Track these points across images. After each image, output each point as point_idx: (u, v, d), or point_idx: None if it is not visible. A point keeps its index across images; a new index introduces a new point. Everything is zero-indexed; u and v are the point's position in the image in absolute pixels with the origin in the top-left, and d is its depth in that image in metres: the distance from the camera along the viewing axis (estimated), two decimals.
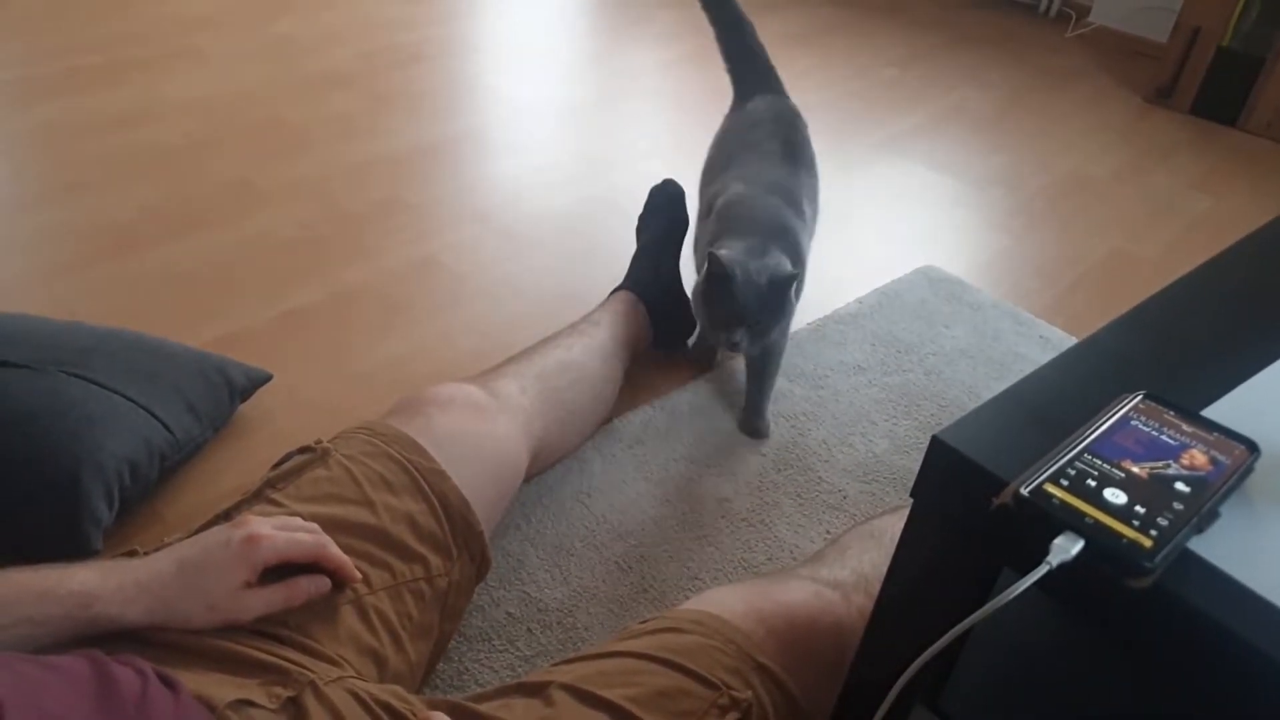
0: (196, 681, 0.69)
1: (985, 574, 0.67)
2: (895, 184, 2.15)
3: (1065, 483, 0.56)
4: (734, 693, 0.80)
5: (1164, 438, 0.61)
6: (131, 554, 0.80)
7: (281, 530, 0.79)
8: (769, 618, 0.88)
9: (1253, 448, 0.60)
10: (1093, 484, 0.57)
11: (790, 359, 1.50)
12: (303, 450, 0.96)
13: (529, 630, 1.07)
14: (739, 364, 1.50)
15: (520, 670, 1.03)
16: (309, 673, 0.74)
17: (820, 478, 1.33)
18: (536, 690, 0.83)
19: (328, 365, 1.44)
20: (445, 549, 0.94)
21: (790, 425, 1.41)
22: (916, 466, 0.63)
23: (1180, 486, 0.57)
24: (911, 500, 0.66)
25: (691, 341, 1.54)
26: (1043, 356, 1.56)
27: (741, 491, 1.29)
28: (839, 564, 1.00)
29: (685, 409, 1.42)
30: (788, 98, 1.57)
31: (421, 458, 0.96)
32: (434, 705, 0.79)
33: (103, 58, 2.28)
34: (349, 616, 0.84)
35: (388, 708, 0.76)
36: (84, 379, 1.11)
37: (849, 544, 1.06)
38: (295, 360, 1.42)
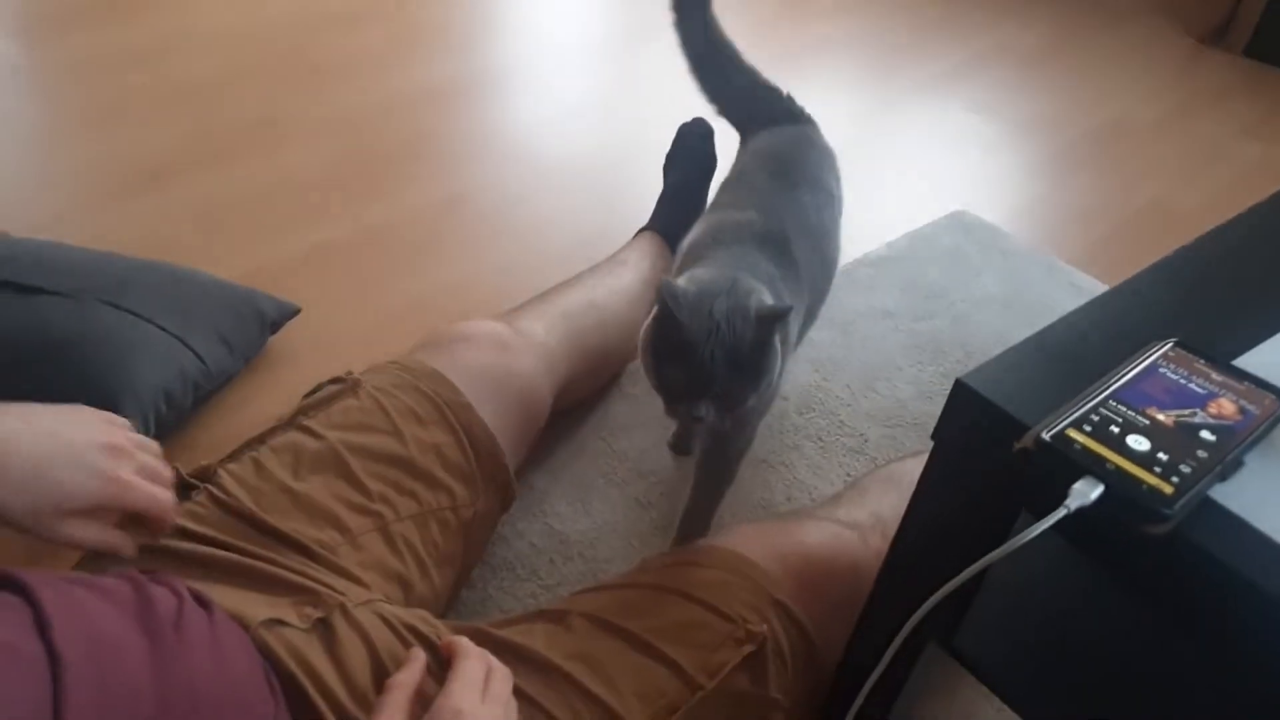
0: (229, 598, 0.71)
1: (1003, 518, 0.68)
2: (932, 125, 2.10)
3: (1088, 428, 0.56)
4: (750, 627, 0.82)
5: (1192, 386, 0.60)
6: None
7: (146, 480, 0.67)
8: (787, 556, 0.89)
9: None
10: (1116, 430, 0.56)
11: None
12: (334, 381, 0.97)
13: (551, 561, 1.09)
14: None
15: (542, 598, 1.05)
16: (338, 595, 0.77)
17: (842, 422, 1.33)
18: (558, 618, 0.85)
19: (355, 300, 1.46)
20: (471, 480, 0.96)
21: (815, 370, 1.41)
22: (940, 413, 0.63)
23: (1206, 435, 0.56)
24: (932, 444, 0.66)
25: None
26: (1075, 305, 1.53)
27: (762, 433, 1.30)
28: (858, 506, 1.01)
29: None
30: (800, 123, 1.25)
31: (449, 391, 0.97)
32: (457, 630, 0.82)
33: None
34: (376, 542, 0.86)
35: (414, 631, 0.78)
36: (121, 308, 1.14)
37: (868, 487, 1.07)
38: (323, 295, 1.43)
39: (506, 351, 1.07)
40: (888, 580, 0.75)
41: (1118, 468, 0.54)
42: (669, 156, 1.56)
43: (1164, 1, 2.79)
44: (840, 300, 1.54)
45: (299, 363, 1.32)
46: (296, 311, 1.33)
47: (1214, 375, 0.61)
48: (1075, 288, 1.60)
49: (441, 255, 1.58)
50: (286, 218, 1.61)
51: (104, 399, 1.05)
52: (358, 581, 0.82)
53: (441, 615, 0.94)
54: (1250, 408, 0.58)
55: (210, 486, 0.83)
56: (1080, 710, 0.71)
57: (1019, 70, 2.34)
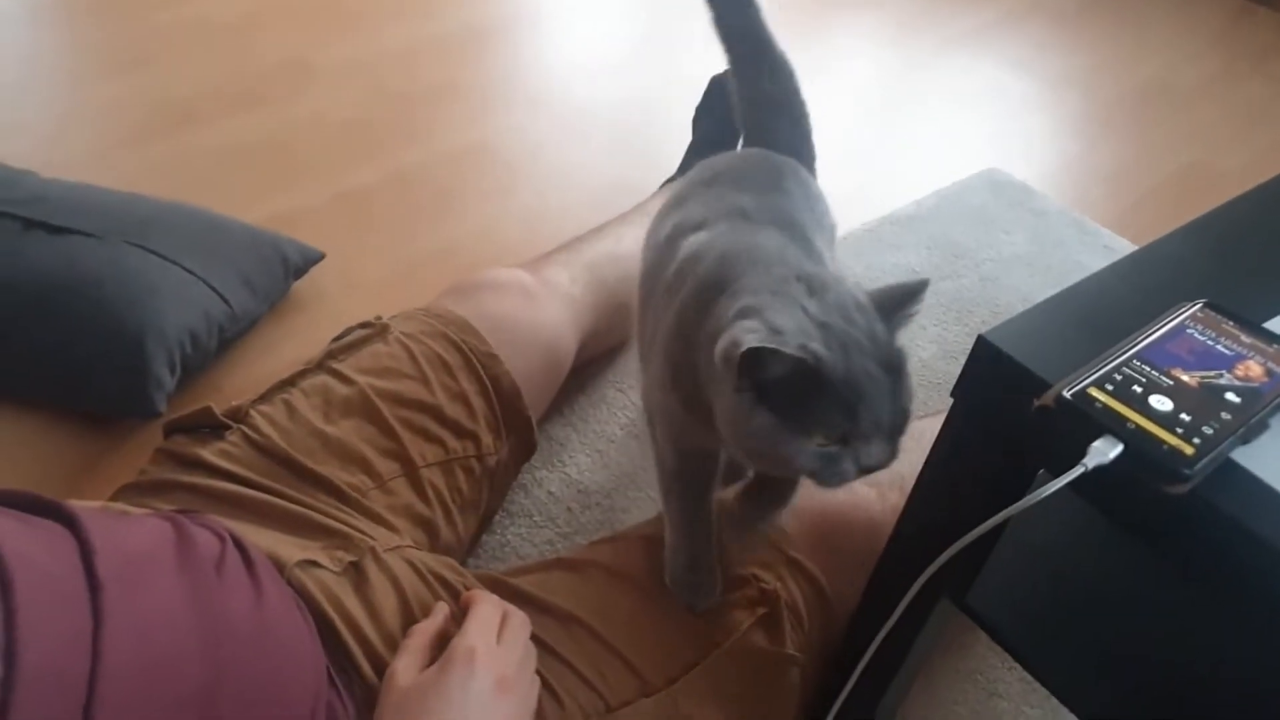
0: (264, 539, 0.72)
1: (1020, 475, 0.67)
2: (964, 82, 2.05)
3: (1110, 387, 0.55)
4: (763, 585, 0.82)
5: (1219, 348, 0.59)
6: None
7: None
8: (803, 512, 0.89)
9: None
10: (1139, 390, 0.56)
11: (843, 259, 1.47)
12: (362, 325, 0.98)
13: (569, 509, 1.11)
14: None
15: (559, 546, 1.07)
16: (369, 539, 0.78)
17: None
18: (576, 567, 0.86)
19: (380, 247, 1.46)
20: (495, 429, 0.96)
21: None
22: None
23: (1231, 397, 0.56)
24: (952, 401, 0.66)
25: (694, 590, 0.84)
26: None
27: None
28: None
29: None
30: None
31: (476, 340, 0.98)
32: (478, 578, 0.83)
33: None
34: (404, 487, 0.88)
35: (441, 579, 0.79)
36: (145, 249, 1.15)
37: None
38: (348, 241, 1.44)
39: (532, 301, 1.07)
40: (902, 535, 0.75)
41: (1138, 427, 0.54)
42: (699, 108, 1.54)
43: None
44: (866, 258, 1.52)
45: (323, 308, 1.33)
46: (320, 257, 1.34)
47: (1243, 337, 0.60)
48: (1107, 249, 1.58)
49: (467, 202, 1.57)
50: (312, 163, 1.61)
51: (129, 338, 1.07)
52: (388, 526, 0.83)
53: (463, 562, 0.95)
54: (1278, 370, 0.58)
55: (243, 427, 0.84)
56: (1091, 668, 0.72)
57: (1054, 27, 2.28)
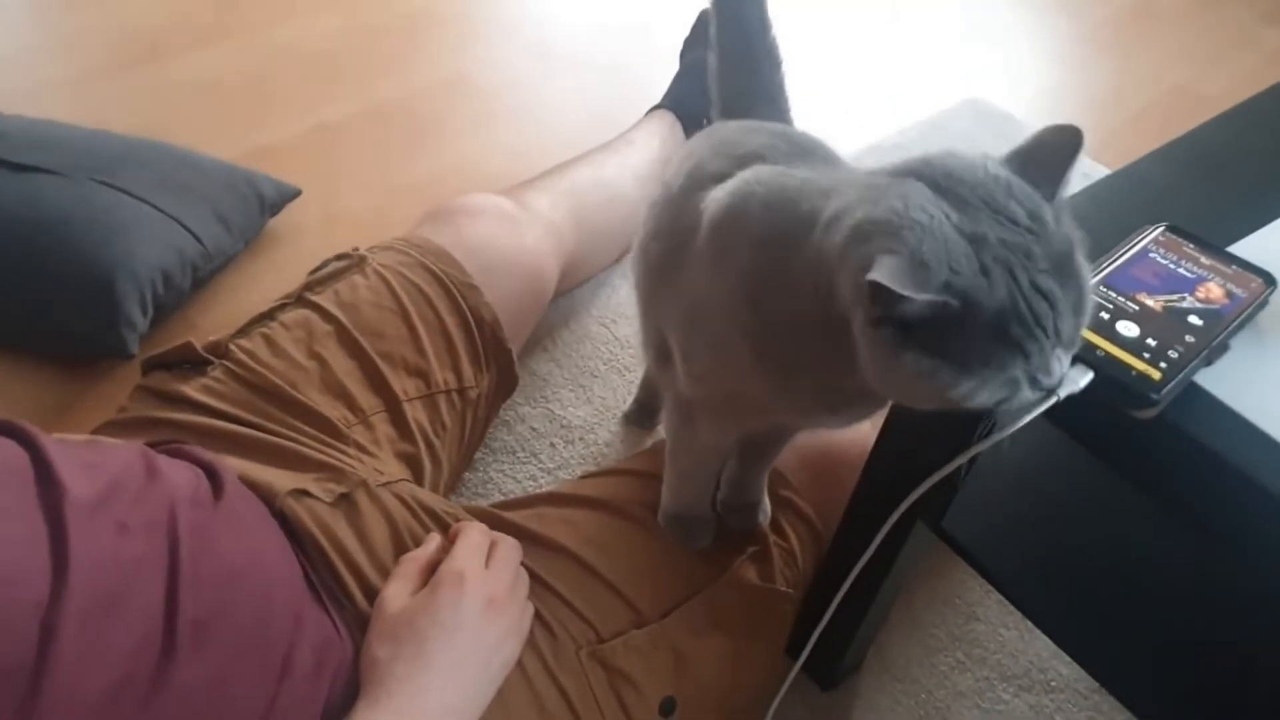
0: (253, 471, 0.72)
1: None
2: (948, 8, 2.02)
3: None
4: None
5: (1181, 271, 0.60)
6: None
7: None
8: (800, 448, 0.89)
9: (1270, 280, 0.59)
10: (1106, 317, 0.56)
11: None
12: (339, 257, 0.97)
13: (552, 445, 1.11)
14: None
15: (543, 481, 1.08)
16: (359, 473, 0.78)
17: None
18: (567, 501, 0.86)
19: (358, 182, 1.44)
20: (476, 361, 0.96)
21: None
22: None
23: (1193, 319, 0.56)
24: None
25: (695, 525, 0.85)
26: None
27: None
28: None
29: None
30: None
31: (456, 270, 0.96)
32: (468, 512, 0.83)
33: None
34: (386, 422, 0.87)
35: (431, 512, 0.79)
36: (114, 187, 1.12)
37: None
38: (325, 176, 1.41)
39: (512, 226, 1.06)
40: (878, 462, 0.76)
41: (1107, 354, 0.54)
42: (686, 42, 1.50)
43: None
44: None
45: (300, 245, 1.31)
46: (297, 193, 1.31)
47: (1203, 259, 0.60)
48: (1086, 177, 1.55)
49: (446, 135, 1.55)
50: (286, 96, 1.57)
51: (98, 279, 1.05)
52: (374, 459, 0.83)
53: (446, 497, 0.96)
54: (1237, 291, 0.58)
55: (225, 362, 0.83)
56: (1063, 590, 0.73)
57: None
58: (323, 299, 0.91)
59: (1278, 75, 1.94)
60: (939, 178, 0.51)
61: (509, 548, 0.74)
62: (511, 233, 1.05)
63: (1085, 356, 0.53)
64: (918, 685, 0.94)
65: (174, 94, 1.54)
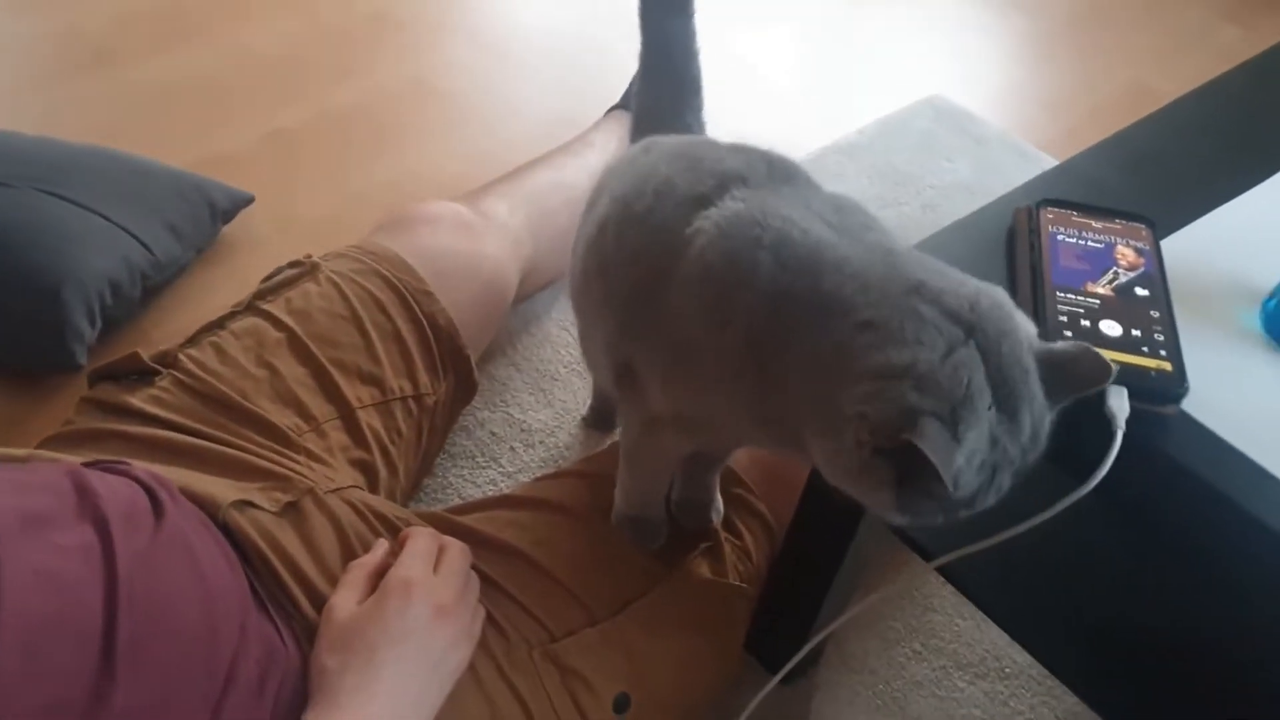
0: (196, 482, 0.71)
1: None
2: (908, 7, 2.03)
3: (1071, 334, 0.55)
4: None
5: (1091, 244, 0.60)
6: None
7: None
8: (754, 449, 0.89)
9: (1150, 223, 0.60)
10: (1088, 325, 0.56)
11: None
12: (292, 265, 0.96)
13: (512, 449, 1.11)
14: None
15: (503, 485, 1.07)
16: (308, 480, 0.77)
17: None
18: (520, 504, 0.86)
19: (315, 189, 1.42)
20: (433, 368, 0.95)
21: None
22: None
23: (1140, 291, 0.57)
24: None
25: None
26: None
27: None
28: None
29: None
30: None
31: (411, 277, 0.96)
32: (421, 517, 0.83)
33: None
34: (340, 430, 0.86)
35: (382, 518, 0.79)
36: (60, 197, 1.10)
37: None
38: (281, 183, 1.39)
39: (470, 233, 1.05)
40: None
41: (1123, 364, 0.52)
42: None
43: None
44: None
45: (256, 253, 1.29)
46: (250, 200, 1.30)
47: (1094, 223, 0.61)
48: (1038, 165, 1.58)
49: (405, 140, 1.53)
50: (240, 103, 1.55)
51: (44, 290, 1.03)
52: (325, 465, 0.82)
53: (404, 505, 0.95)
54: (1141, 245, 0.59)
55: (173, 371, 0.82)
56: (1016, 581, 0.74)
57: None
58: (274, 307, 0.90)
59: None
60: (990, 347, 0.51)
61: (457, 552, 0.73)
62: (469, 239, 1.04)
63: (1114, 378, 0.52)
64: (875, 676, 0.95)
65: (124, 99, 1.51)
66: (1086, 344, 0.52)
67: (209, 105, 1.53)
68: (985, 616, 0.77)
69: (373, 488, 0.87)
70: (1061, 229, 0.61)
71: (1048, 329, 0.56)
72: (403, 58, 1.69)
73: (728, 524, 0.85)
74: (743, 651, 0.87)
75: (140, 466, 0.68)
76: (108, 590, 0.55)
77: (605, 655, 0.75)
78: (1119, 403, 0.53)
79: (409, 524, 0.78)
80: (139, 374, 0.83)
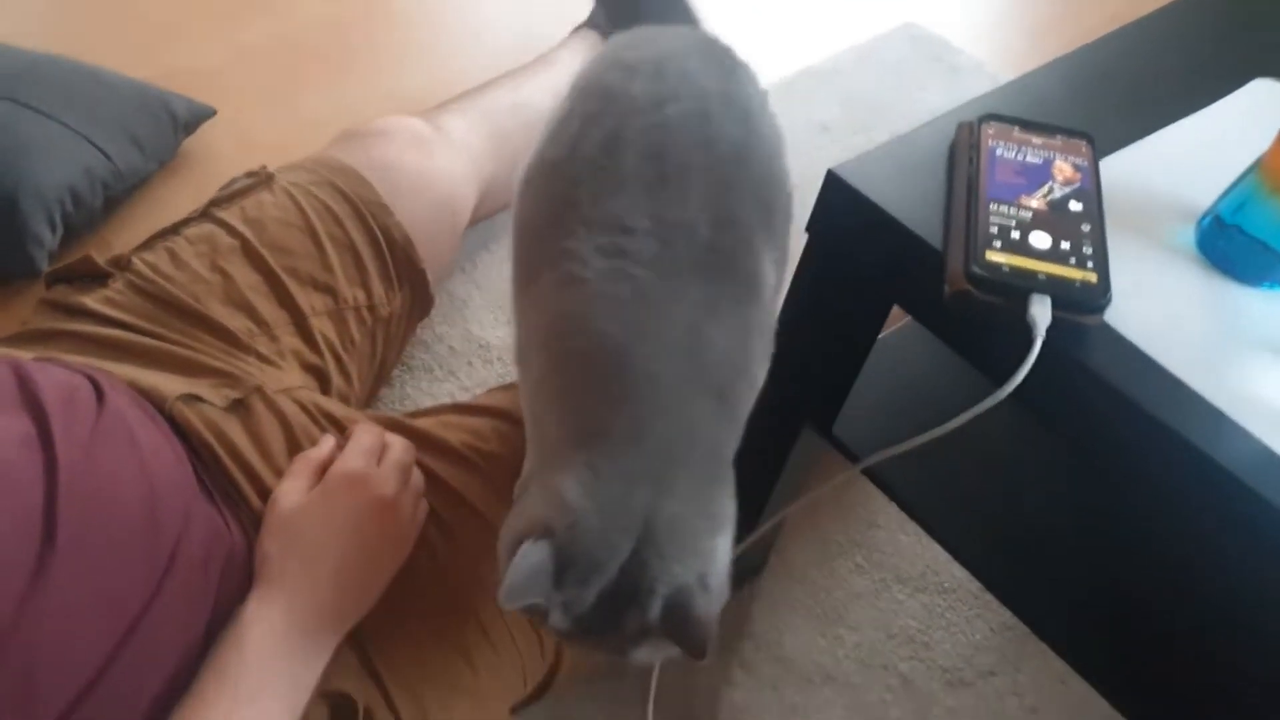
0: (144, 378, 0.72)
1: (876, 309, 0.70)
2: None
3: (999, 244, 0.56)
4: None
5: (1030, 159, 0.61)
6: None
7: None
8: None
9: (1089, 138, 0.61)
10: (1018, 236, 0.56)
11: None
12: (248, 175, 0.96)
13: (469, 363, 1.12)
14: None
15: (461, 399, 1.09)
16: (256, 379, 0.78)
17: None
18: (471, 411, 0.87)
19: (277, 106, 1.40)
20: (387, 280, 0.96)
21: None
22: None
23: (1074, 206, 0.57)
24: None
25: None
26: None
27: None
28: None
29: None
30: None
31: (365, 190, 0.96)
32: (373, 419, 0.84)
33: None
34: (292, 335, 0.87)
35: (330, 417, 0.80)
36: (18, 103, 1.09)
37: None
38: (243, 99, 1.38)
39: (426, 148, 1.05)
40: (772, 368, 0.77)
41: (1048, 275, 0.54)
42: None
43: None
44: (777, 112, 1.50)
45: (216, 166, 1.28)
46: (211, 113, 1.28)
47: (1034, 139, 0.61)
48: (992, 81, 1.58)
49: (367, 61, 1.51)
50: (204, 16, 1.52)
51: (2, 197, 1.03)
52: (275, 367, 0.83)
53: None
54: (1079, 161, 0.60)
55: (127, 274, 0.83)
56: (954, 495, 0.76)
57: None
58: (228, 215, 0.90)
59: None
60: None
61: (401, 448, 0.74)
62: (425, 155, 1.04)
63: (1032, 285, 0.53)
64: (816, 586, 0.98)
65: (83, 9, 1.49)
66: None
67: (171, 19, 1.51)
68: (926, 533, 0.79)
69: (325, 393, 0.88)
70: (1001, 143, 0.62)
71: (978, 240, 0.57)
72: None
73: None
74: None
75: (86, 361, 0.69)
76: (48, 476, 0.56)
77: None
78: (1041, 310, 0.53)
79: (356, 420, 0.80)
80: (94, 277, 0.84)
